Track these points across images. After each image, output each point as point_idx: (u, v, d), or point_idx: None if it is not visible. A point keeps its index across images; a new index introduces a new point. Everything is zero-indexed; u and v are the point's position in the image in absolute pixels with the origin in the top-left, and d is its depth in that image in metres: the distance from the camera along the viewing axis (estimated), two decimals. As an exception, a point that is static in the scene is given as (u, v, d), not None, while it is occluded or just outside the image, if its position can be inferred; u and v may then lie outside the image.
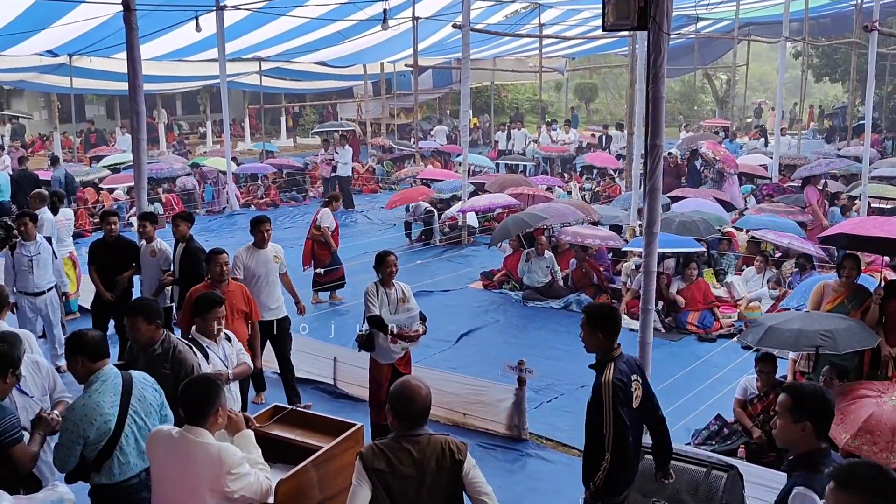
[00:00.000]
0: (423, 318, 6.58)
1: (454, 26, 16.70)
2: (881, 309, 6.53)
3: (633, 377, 4.36)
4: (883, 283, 6.81)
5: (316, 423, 4.33)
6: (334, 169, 18.43)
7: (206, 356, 5.02)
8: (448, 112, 34.92)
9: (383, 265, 6.41)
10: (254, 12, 17.24)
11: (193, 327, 5.25)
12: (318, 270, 10.99)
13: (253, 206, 18.70)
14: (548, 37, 24.71)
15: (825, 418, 3.32)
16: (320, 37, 20.66)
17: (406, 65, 23.88)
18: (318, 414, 4.52)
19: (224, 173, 18.38)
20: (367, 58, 25.51)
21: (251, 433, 3.91)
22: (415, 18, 19.21)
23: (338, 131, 22.66)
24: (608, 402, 4.19)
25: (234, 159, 19.97)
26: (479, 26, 18.65)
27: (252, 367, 5.48)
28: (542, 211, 11.64)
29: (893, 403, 5.43)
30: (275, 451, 4.06)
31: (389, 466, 3.38)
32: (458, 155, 18.44)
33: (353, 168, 19.43)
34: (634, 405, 4.35)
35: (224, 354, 5.20)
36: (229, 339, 5.33)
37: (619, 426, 4.20)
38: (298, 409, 4.54)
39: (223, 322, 5.25)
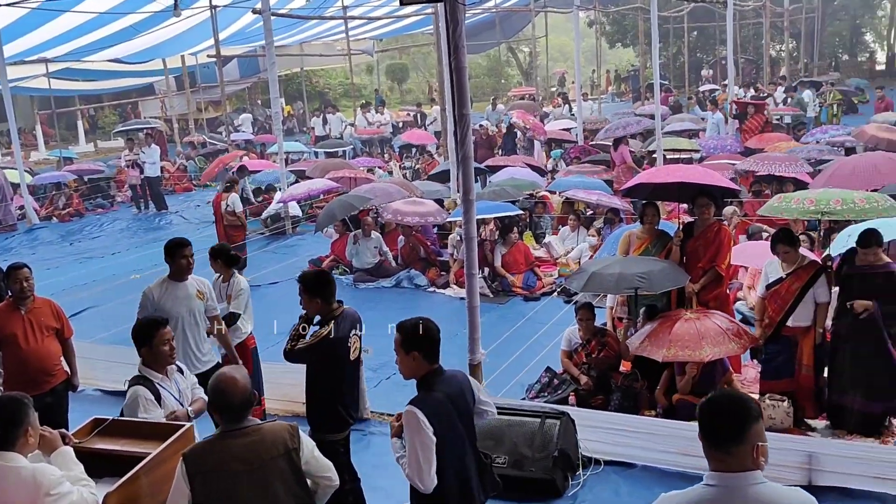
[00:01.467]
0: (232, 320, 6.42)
1: (254, 12, 16.18)
2: (681, 250, 7.07)
3: (353, 332, 4.82)
4: (681, 227, 7.37)
5: (142, 430, 4.09)
6: (142, 171, 17.46)
7: (157, 397, 4.32)
8: (259, 101, 33.99)
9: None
10: (33, 9, 15.93)
11: (140, 362, 4.47)
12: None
13: (55, 217, 17.37)
14: (353, 18, 24.54)
15: (429, 345, 3.82)
16: (112, 32, 19.44)
17: (209, 56, 22.95)
18: (144, 420, 4.28)
19: (16, 185, 16.93)
20: (165, 51, 24.30)
21: (69, 449, 3.64)
22: (213, 7, 18.46)
23: (142, 130, 21.48)
24: (316, 354, 4.67)
25: (28, 171, 18.46)
26: (281, 11, 18.23)
27: (206, 400, 4.65)
28: (366, 192, 11.65)
29: (687, 317, 6.21)
30: (100, 466, 3.81)
31: (217, 465, 3.25)
32: (273, 144, 18.02)
33: (161, 167, 18.50)
34: (352, 357, 4.81)
35: (178, 390, 4.49)
36: (181, 372, 4.63)
37: (308, 370, 4.77)
38: (120, 419, 4.26)
39: (174, 348, 4.51)
